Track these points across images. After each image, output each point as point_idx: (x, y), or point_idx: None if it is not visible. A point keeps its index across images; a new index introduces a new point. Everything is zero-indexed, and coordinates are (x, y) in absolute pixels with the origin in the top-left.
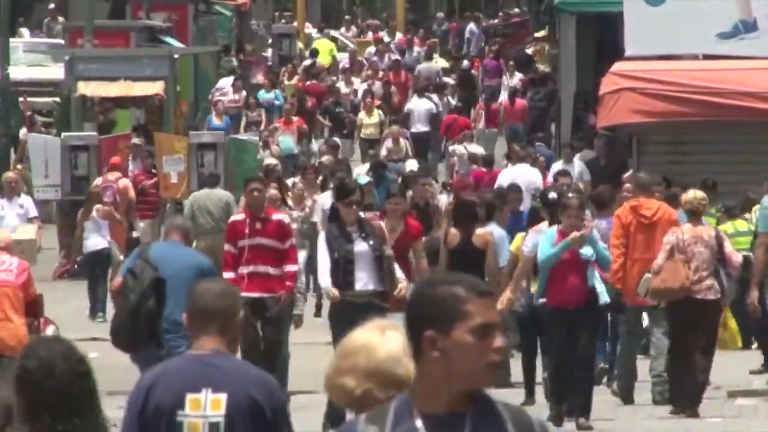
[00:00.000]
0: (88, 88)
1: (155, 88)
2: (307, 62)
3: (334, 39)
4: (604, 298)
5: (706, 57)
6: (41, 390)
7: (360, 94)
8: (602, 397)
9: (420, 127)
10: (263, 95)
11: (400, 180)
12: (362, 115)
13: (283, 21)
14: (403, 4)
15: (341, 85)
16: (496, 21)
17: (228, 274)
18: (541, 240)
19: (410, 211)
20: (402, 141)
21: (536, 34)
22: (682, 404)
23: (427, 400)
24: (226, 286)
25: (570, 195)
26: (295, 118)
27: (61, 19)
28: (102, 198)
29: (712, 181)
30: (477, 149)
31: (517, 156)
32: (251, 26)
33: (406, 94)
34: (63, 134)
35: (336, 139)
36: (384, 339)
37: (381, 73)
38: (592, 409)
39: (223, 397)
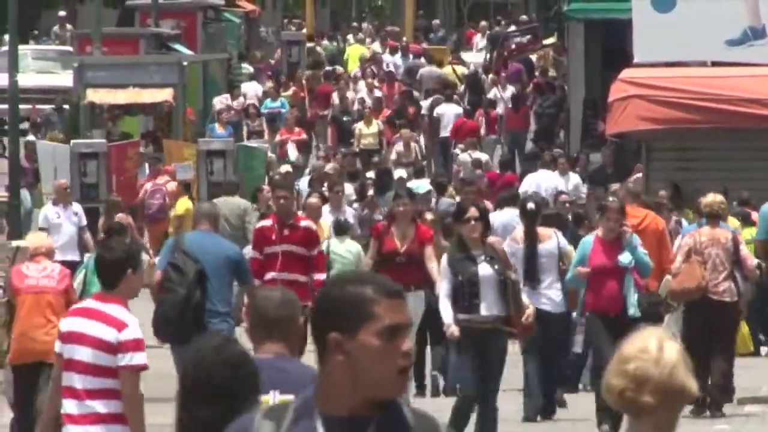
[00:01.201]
0: (96, 95)
1: (164, 95)
2: (328, 68)
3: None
4: (634, 310)
5: (715, 64)
6: (195, 380)
7: (369, 102)
8: None
9: (447, 132)
10: (269, 104)
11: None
12: (360, 125)
13: (293, 28)
14: (412, 10)
15: (350, 94)
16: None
17: (254, 281)
18: (579, 247)
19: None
20: (413, 145)
21: (545, 42)
22: (698, 405)
23: (330, 403)
24: (285, 295)
25: (611, 198)
26: (296, 129)
27: (69, 26)
28: (122, 207)
29: (723, 187)
30: (482, 156)
31: (543, 161)
32: (260, 33)
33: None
34: (72, 141)
35: (343, 150)
36: (658, 347)
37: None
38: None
39: (290, 399)
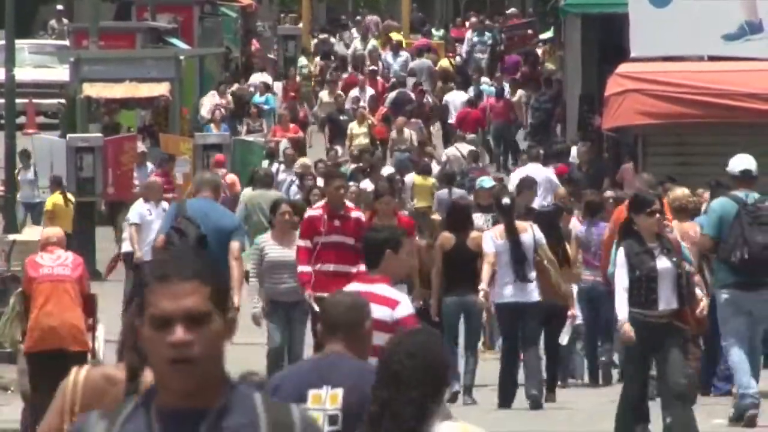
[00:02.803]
0: (93, 90)
1: (161, 89)
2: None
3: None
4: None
5: (712, 58)
6: (380, 368)
7: (366, 100)
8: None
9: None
10: (256, 99)
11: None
12: (353, 125)
13: (287, 24)
14: (408, 5)
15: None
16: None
17: (304, 268)
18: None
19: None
20: (406, 131)
21: (541, 36)
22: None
23: (160, 394)
24: (355, 299)
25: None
26: (291, 125)
27: (65, 20)
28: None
29: (715, 181)
30: (468, 148)
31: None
32: (257, 28)
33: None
34: (68, 136)
35: (338, 147)
36: None
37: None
38: (590, 405)
39: (340, 392)
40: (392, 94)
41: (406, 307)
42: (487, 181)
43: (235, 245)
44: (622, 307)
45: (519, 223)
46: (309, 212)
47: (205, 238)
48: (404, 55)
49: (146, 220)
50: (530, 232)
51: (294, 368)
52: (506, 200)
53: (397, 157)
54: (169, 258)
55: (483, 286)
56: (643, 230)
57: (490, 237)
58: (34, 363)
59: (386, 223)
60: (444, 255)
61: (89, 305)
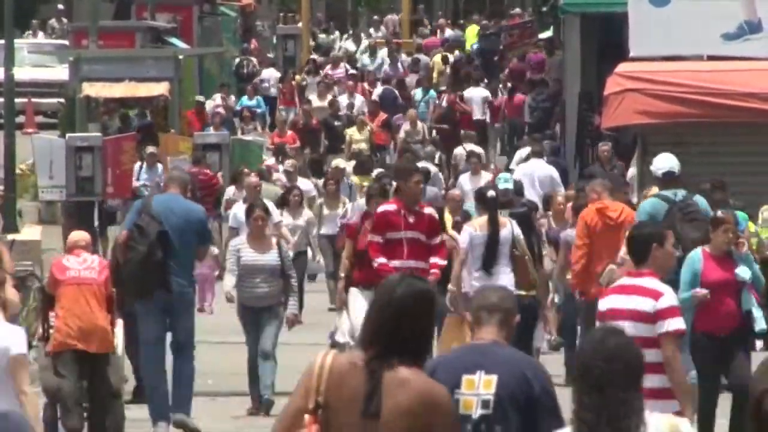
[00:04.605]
0: (92, 89)
1: (160, 88)
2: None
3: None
4: (761, 324)
5: (711, 58)
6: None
7: (358, 106)
8: None
9: (477, 114)
10: (245, 102)
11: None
12: (352, 130)
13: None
14: (408, 5)
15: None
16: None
17: (380, 259)
18: (686, 264)
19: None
20: (420, 124)
21: (540, 35)
22: None
23: None
24: (506, 289)
25: (723, 210)
26: (289, 132)
27: (64, 20)
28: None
29: (719, 182)
30: (475, 148)
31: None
32: (256, 27)
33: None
34: (68, 135)
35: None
36: None
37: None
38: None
39: (494, 378)
40: (378, 90)
41: (668, 298)
42: (504, 179)
43: (202, 250)
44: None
45: (500, 218)
46: (383, 207)
47: (167, 234)
48: (381, 57)
49: (243, 222)
50: (509, 227)
51: (450, 355)
52: (491, 193)
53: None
54: None
55: (452, 287)
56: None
57: (467, 230)
58: (59, 362)
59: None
60: None
61: (110, 304)
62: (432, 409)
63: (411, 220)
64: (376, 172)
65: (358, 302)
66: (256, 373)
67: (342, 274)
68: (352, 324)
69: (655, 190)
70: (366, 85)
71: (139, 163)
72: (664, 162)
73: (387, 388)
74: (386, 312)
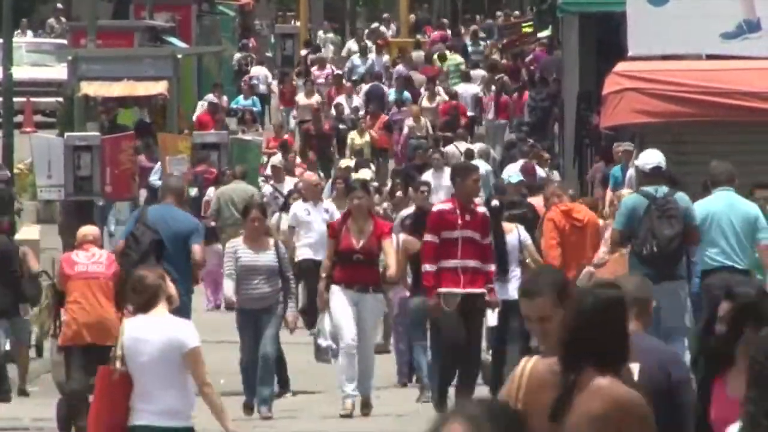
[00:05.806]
0: (91, 88)
1: (158, 88)
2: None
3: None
4: None
5: (710, 57)
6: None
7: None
8: None
9: (468, 111)
10: (240, 101)
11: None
12: (354, 134)
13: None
14: (407, 4)
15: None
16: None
17: (429, 267)
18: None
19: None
20: (423, 119)
21: (539, 35)
22: None
23: None
24: (642, 278)
25: None
26: (286, 136)
27: (63, 19)
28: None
29: (705, 181)
30: (466, 146)
31: (521, 152)
32: (254, 26)
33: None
34: (66, 134)
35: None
36: None
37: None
38: None
39: (636, 367)
40: (365, 87)
41: None
42: (514, 177)
43: (196, 248)
44: None
45: (505, 225)
46: (438, 206)
47: (162, 243)
48: (371, 58)
49: (303, 221)
50: (516, 233)
51: None
52: (495, 203)
53: (412, 144)
54: None
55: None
56: None
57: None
58: (69, 356)
59: (361, 223)
60: (408, 259)
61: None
62: (625, 415)
63: (467, 218)
64: (372, 171)
65: (338, 301)
66: (250, 381)
67: (323, 274)
68: (333, 324)
69: (627, 192)
70: (348, 83)
71: (159, 163)
72: (652, 157)
73: (580, 395)
74: (578, 321)
